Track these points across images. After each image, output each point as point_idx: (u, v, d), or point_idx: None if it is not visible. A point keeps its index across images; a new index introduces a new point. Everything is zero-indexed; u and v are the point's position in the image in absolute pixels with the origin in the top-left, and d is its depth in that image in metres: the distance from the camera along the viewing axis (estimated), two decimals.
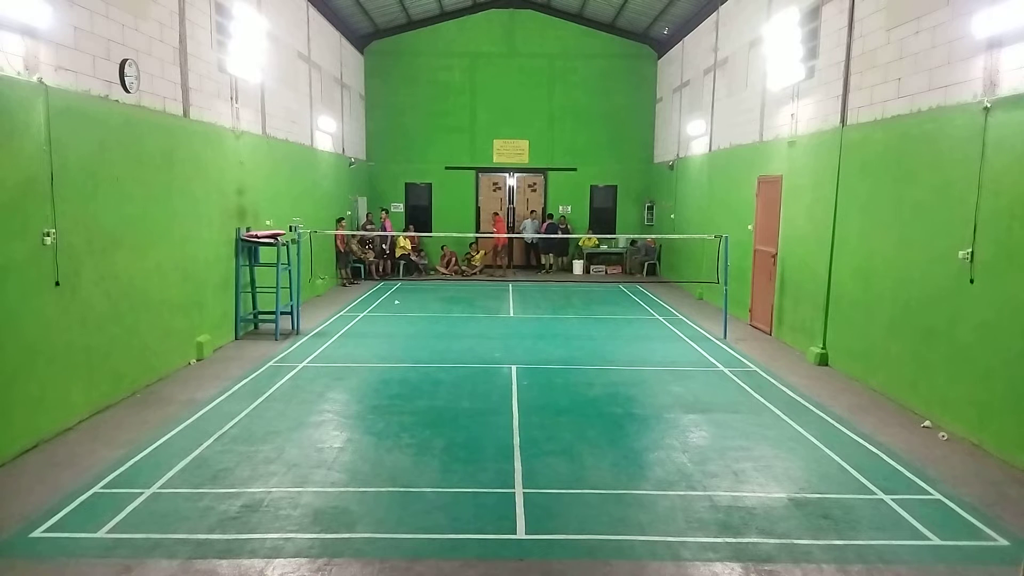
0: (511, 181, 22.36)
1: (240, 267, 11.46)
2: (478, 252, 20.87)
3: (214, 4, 10.59)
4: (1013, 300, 6.57)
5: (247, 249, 11.69)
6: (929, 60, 7.91)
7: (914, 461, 6.64)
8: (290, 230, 12.19)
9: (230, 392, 8.55)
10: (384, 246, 19.80)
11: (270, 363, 9.94)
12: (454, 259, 20.60)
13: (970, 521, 5.48)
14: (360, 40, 20.32)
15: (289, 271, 11.96)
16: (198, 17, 10.05)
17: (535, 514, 5.50)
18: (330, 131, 17.16)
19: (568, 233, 20.72)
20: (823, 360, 10.16)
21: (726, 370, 9.92)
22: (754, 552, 4.99)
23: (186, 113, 9.68)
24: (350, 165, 19.22)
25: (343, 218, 17.90)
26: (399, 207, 21.85)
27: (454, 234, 20.30)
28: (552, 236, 19.69)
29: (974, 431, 7.07)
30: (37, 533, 5.12)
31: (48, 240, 6.78)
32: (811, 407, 8.23)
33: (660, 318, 13.91)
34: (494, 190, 22.40)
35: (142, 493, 5.76)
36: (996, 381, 6.78)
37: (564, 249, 21.44)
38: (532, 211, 21.94)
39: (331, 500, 5.71)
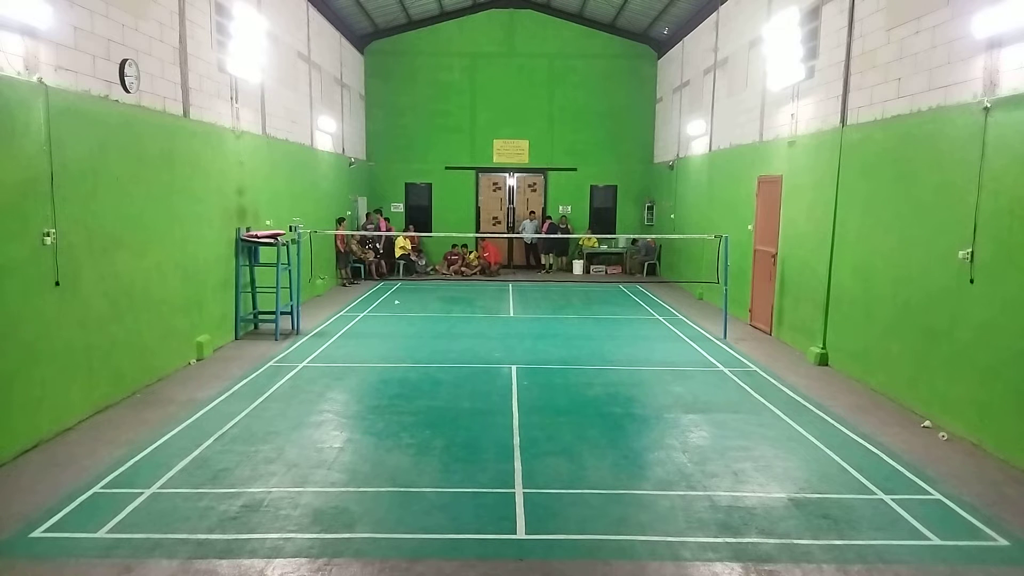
0: (511, 181, 22.36)
1: (240, 267, 11.46)
2: (472, 252, 20.85)
3: (214, 4, 10.58)
4: (1013, 300, 6.57)
5: (247, 249, 11.69)
6: (929, 60, 7.91)
7: (914, 461, 6.64)
8: (290, 230, 12.19)
9: (230, 392, 8.55)
10: (378, 246, 19.71)
11: (270, 363, 9.94)
12: (460, 260, 20.53)
13: (970, 521, 5.48)
14: (360, 40, 20.31)
15: (289, 271, 11.96)
16: (198, 17, 10.05)
17: (535, 514, 5.50)
18: (330, 131, 17.15)
19: (568, 233, 20.72)
20: (823, 360, 10.16)
21: (726, 370, 9.92)
22: (754, 552, 4.99)
23: (186, 113, 9.68)
24: (350, 165, 19.21)
25: (343, 218, 17.90)
26: (399, 207, 21.86)
27: (454, 234, 20.30)
28: (552, 236, 19.70)
29: (974, 431, 7.07)
30: (37, 533, 5.12)
31: (48, 240, 6.78)
32: (811, 407, 8.23)
33: (660, 318, 13.91)
34: (494, 190, 22.41)
35: (142, 493, 5.76)
36: (996, 381, 6.78)
37: (564, 249, 21.44)
38: (531, 211, 21.94)
39: (331, 500, 5.71)
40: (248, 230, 11.62)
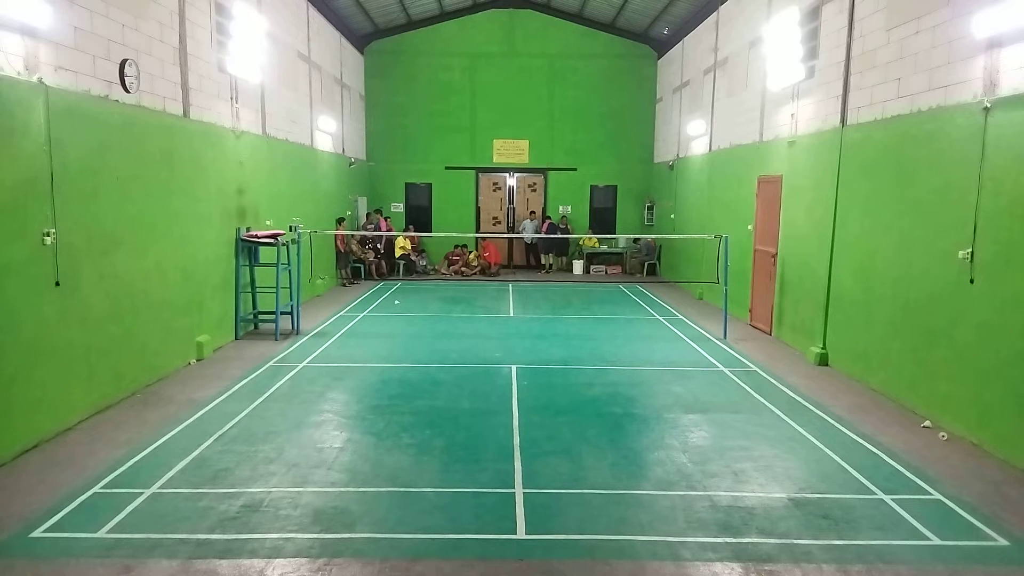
0: (511, 181, 22.36)
1: (240, 267, 11.46)
2: (472, 252, 20.85)
3: (214, 4, 10.58)
4: (1013, 300, 6.57)
5: (247, 249, 11.69)
6: (929, 60, 7.91)
7: (914, 461, 6.64)
8: (290, 230, 12.19)
9: (230, 392, 8.55)
10: (379, 246, 19.72)
11: (270, 363, 9.94)
12: (461, 260, 20.51)
13: (970, 521, 5.49)
14: (360, 40, 20.31)
15: (289, 271, 11.97)
16: (198, 17, 10.04)
17: (535, 514, 5.50)
18: (330, 131, 17.15)
19: (569, 233, 20.71)
20: (823, 360, 10.16)
21: (726, 370, 9.91)
22: (754, 552, 4.99)
23: (186, 113, 9.68)
24: (350, 165, 19.21)
25: (343, 218, 17.90)
26: (399, 207, 21.86)
27: (454, 234, 20.30)
28: (552, 236, 19.70)
29: (974, 431, 7.07)
30: (37, 533, 5.12)
31: (48, 240, 6.78)
32: (811, 407, 8.23)
33: (660, 318, 13.91)
34: (494, 190, 22.41)
35: (142, 493, 5.76)
36: (996, 381, 6.78)
37: (564, 249, 21.45)
38: (531, 211, 21.94)
39: (331, 500, 5.71)
40: (248, 230, 11.62)
